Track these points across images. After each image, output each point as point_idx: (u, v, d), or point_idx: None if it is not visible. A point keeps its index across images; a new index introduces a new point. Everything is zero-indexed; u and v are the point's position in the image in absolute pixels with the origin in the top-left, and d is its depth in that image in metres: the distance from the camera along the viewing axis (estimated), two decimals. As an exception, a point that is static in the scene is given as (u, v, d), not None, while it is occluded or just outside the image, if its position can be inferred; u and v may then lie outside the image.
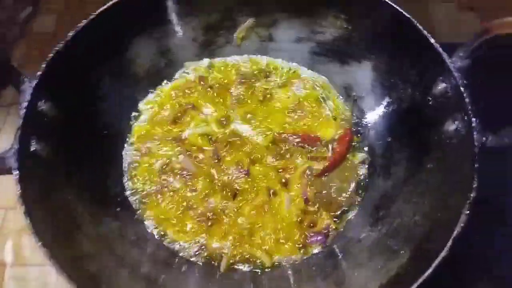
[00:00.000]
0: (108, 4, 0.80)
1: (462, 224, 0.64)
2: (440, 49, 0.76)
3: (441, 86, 0.77)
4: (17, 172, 0.67)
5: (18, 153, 0.68)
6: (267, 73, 1.00)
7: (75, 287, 0.61)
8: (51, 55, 0.76)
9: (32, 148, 0.71)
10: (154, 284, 0.76)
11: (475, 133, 0.69)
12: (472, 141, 0.69)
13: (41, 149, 0.72)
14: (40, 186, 0.70)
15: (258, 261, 0.83)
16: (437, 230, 0.69)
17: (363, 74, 0.92)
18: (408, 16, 0.79)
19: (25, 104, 0.71)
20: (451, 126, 0.74)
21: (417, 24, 0.78)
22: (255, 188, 0.88)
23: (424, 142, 0.80)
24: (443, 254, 0.63)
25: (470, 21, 1.22)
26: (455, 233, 0.64)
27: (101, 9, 0.80)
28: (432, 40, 0.77)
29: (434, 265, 0.62)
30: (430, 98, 0.79)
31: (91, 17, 0.80)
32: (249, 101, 0.97)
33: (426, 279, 0.62)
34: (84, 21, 0.79)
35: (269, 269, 0.82)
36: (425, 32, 0.78)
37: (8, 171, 0.67)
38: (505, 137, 0.70)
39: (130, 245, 0.80)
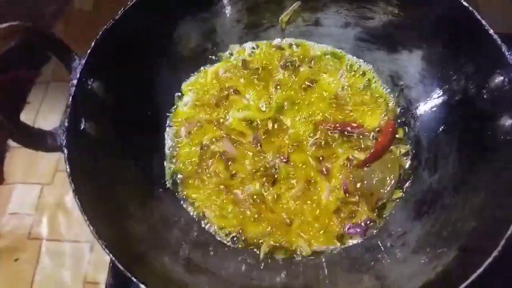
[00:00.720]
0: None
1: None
2: (500, 41, 0.72)
3: (498, 79, 0.73)
4: (67, 150, 0.67)
5: (68, 131, 0.68)
6: (312, 58, 0.97)
7: (122, 266, 0.62)
8: (100, 33, 0.76)
9: (81, 127, 0.72)
10: (194, 266, 0.77)
11: (533, 130, 0.66)
12: (530, 138, 0.66)
13: (90, 128, 0.73)
14: (88, 165, 0.71)
15: (297, 249, 0.83)
16: (488, 229, 0.67)
17: (412, 63, 0.89)
18: (467, 5, 0.76)
19: (75, 82, 0.72)
20: (507, 122, 0.71)
21: (476, 14, 0.75)
22: (294, 176, 0.87)
23: (476, 137, 0.77)
24: (495, 253, 0.61)
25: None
26: (508, 233, 0.61)
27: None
28: (491, 31, 0.73)
29: (485, 264, 0.60)
30: (485, 91, 0.76)
31: (138, -3, 0.79)
32: (292, 86, 0.95)
33: (475, 279, 0.61)
34: (132, 1, 0.79)
35: (308, 258, 0.82)
36: (484, 22, 0.74)
37: (59, 149, 0.68)
38: None
39: (172, 227, 0.81)
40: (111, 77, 0.78)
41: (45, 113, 1.13)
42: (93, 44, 0.74)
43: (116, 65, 0.79)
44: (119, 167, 0.78)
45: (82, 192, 0.65)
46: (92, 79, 0.74)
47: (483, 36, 0.74)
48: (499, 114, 0.73)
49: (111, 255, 0.61)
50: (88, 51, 0.74)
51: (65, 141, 0.68)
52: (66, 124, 0.69)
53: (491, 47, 0.73)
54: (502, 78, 0.73)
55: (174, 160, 0.90)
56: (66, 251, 0.97)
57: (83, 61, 0.73)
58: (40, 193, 1.04)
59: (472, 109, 0.78)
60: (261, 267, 0.82)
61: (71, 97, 0.70)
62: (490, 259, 0.61)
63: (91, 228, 0.62)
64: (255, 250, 0.83)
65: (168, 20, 0.86)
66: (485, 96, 0.76)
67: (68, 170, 0.66)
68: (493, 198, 0.69)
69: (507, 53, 0.72)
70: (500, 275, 0.67)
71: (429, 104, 0.88)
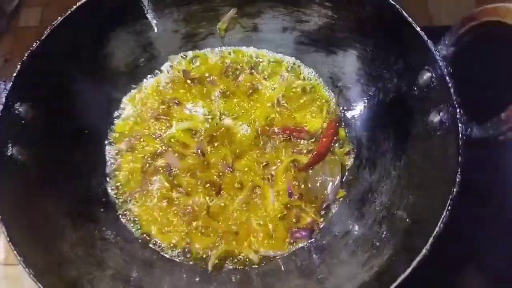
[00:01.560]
0: (81, 1, 0.78)
1: (444, 221, 0.63)
2: (426, 37, 0.72)
3: (426, 75, 0.73)
4: (-8, 179, 0.66)
5: (-6, 160, 0.67)
6: (252, 65, 0.97)
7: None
8: (26, 55, 0.74)
9: (9, 153, 0.70)
10: (138, 286, 0.76)
11: (460, 124, 0.66)
12: (457, 133, 0.66)
13: (18, 154, 0.71)
14: (18, 192, 0.70)
15: (245, 258, 0.82)
16: (419, 226, 0.68)
17: (349, 63, 0.89)
18: (393, 3, 0.76)
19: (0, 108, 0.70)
20: (435, 117, 0.71)
21: (403, 11, 0.75)
22: (240, 184, 0.87)
23: (409, 134, 0.77)
24: (423, 252, 0.61)
25: (466, 2, 1.17)
26: (436, 230, 0.62)
27: (75, 6, 0.78)
28: (418, 28, 0.73)
29: (413, 264, 0.61)
30: (415, 88, 0.76)
31: (65, 15, 0.77)
32: (234, 94, 0.95)
33: (409, 274, 0.62)
34: (59, 18, 0.77)
35: (257, 266, 0.82)
36: (410, 19, 0.74)
37: (-15, 178, 0.67)
38: (490, 128, 0.67)
39: (112, 246, 0.79)
40: (40, 99, 0.76)
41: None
42: (18, 67, 0.73)
43: (45, 86, 0.78)
44: (53, 191, 0.76)
45: (10, 221, 0.64)
46: (18, 103, 0.73)
47: (410, 33, 0.73)
48: (428, 110, 0.73)
49: (39, 284, 0.60)
50: (13, 75, 0.72)
51: (-9, 170, 0.67)
52: (-8, 152, 0.67)
53: (418, 44, 0.73)
54: (429, 74, 0.73)
55: (115, 178, 0.89)
56: (23, 275, 0.94)
57: (8, 86, 0.72)
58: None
59: (405, 106, 0.79)
60: (211, 280, 0.81)
61: (-4, 124, 0.69)
62: (418, 259, 0.61)
63: (19, 258, 0.61)
64: (203, 263, 0.82)
65: (98, 35, 0.85)
66: (416, 93, 0.76)
67: (-5, 199, 0.65)
68: (424, 195, 0.70)
69: (433, 49, 0.72)
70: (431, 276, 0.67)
71: (367, 103, 0.89)
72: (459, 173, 0.64)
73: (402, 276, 0.61)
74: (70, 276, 0.68)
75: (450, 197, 0.63)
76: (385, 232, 0.73)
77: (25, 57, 0.74)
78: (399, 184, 0.77)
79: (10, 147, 0.71)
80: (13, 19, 1.30)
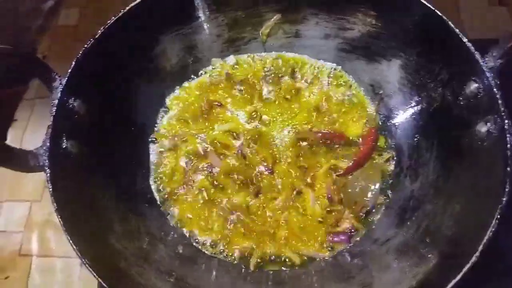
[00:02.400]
0: (136, 2, 0.80)
1: (493, 229, 0.63)
2: (473, 49, 0.73)
3: (473, 86, 0.74)
4: (49, 170, 0.68)
5: (50, 151, 0.69)
6: (294, 70, 0.99)
7: (104, 283, 0.62)
8: (80, 52, 0.76)
9: (63, 146, 0.73)
10: (180, 281, 0.77)
11: (508, 135, 0.67)
12: (505, 143, 0.67)
13: (72, 147, 0.74)
14: (71, 184, 0.72)
15: (287, 259, 0.83)
16: (467, 234, 0.68)
17: (391, 72, 0.91)
18: (440, 14, 0.77)
19: (56, 101, 0.72)
20: (483, 128, 0.72)
21: (450, 23, 0.76)
22: (279, 186, 0.88)
23: (454, 144, 0.78)
24: (473, 259, 0.62)
25: (500, 16, 1.19)
26: (485, 238, 0.63)
27: (129, 6, 0.80)
28: (465, 39, 0.74)
29: (464, 271, 0.61)
30: (461, 98, 0.77)
31: (119, 14, 0.80)
32: (275, 98, 0.96)
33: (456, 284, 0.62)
34: (113, 18, 0.80)
35: (297, 268, 0.83)
36: (457, 30, 0.75)
37: (41, 169, 0.69)
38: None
39: (157, 241, 0.81)
40: (92, 95, 0.79)
41: (33, 129, 1.14)
42: (73, 64, 0.75)
43: (97, 83, 0.80)
44: (102, 184, 0.78)
45: (65, 211, 0.66)
46: (73, 98, 0.75)
47: (457, 44, 0.75)
48: (475, 121, 0.74)
49: (94, 273, 0.62)
50: (69, 71, 0.75)
51: (47, 161, 0.68)
52: (48, 144, 0.69)
53: (465, 55, 0.74)
54: (476, 85, 0.74)
55: (159, 175, 0.90)
56: (57, 267, 0.97)
57: (64, 81, 0.74)
58: (29, 210, 1.03)
59: (449, 116, 0.80)
60: (250, 280, 0.82)
61: (52, 117, 0.71)
62: (468, 265, 0.62)
63: (74, 247, 0.63)
64: (243, 262, 0.83)
65: (148, 36, 0.88)
66: (461, 103, 0.77)
67: (51, 189, 0.67)
68: (471, 204, 0.71)
69: (481, 61, 0.73)
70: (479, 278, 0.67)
71: (409, 112, 0.90)
72: (508, 182, 0.65)
73: (452, 282, 0.61)
74: (120, 266, 0.70)
75: (500, 206, 0.64)
76: (429, 240, 0.73)
77: (79, 55, 0.76)
78: (443, 193, 0.77)
79: (64, 140, 0.73)
80: (51, 19, 1.33)
